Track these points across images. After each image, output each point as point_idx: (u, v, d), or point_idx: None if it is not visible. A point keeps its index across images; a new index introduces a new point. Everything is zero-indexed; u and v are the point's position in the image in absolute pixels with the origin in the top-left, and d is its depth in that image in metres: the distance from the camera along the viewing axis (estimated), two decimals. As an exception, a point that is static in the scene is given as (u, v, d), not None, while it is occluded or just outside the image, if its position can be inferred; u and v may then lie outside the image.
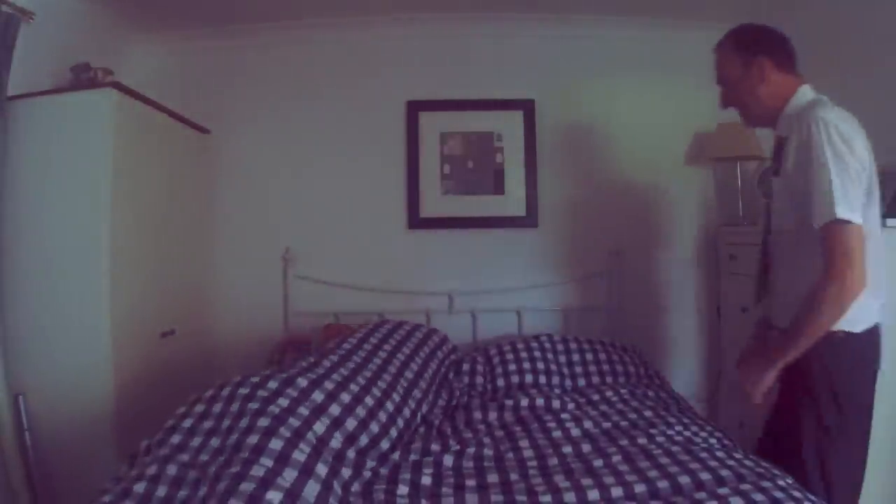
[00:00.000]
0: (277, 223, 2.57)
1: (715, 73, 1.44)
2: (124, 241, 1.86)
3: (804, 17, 2.38)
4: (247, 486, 0.96)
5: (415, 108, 2.56)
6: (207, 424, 1.22)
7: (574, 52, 2.59)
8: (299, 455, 1.09)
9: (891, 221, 1.57)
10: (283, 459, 1.05)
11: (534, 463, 1.34)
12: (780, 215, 1.36)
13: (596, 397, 1.80)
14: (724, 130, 2.41)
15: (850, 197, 1.15)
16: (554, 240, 2.57)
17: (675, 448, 1.35)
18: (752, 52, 1.37)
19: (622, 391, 1.83)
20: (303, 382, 1.33)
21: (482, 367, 2.05)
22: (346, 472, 1.17)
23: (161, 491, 1.05)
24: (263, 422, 1.15)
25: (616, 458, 1.31)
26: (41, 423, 1.76)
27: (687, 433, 1.46)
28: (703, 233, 2.59)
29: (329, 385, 1.38)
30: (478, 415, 1.67)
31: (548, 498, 1.14)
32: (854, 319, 1.20)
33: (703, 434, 1.47)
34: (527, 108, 2.56)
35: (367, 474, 1.22)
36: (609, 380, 2.00)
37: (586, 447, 1.41)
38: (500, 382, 1.93)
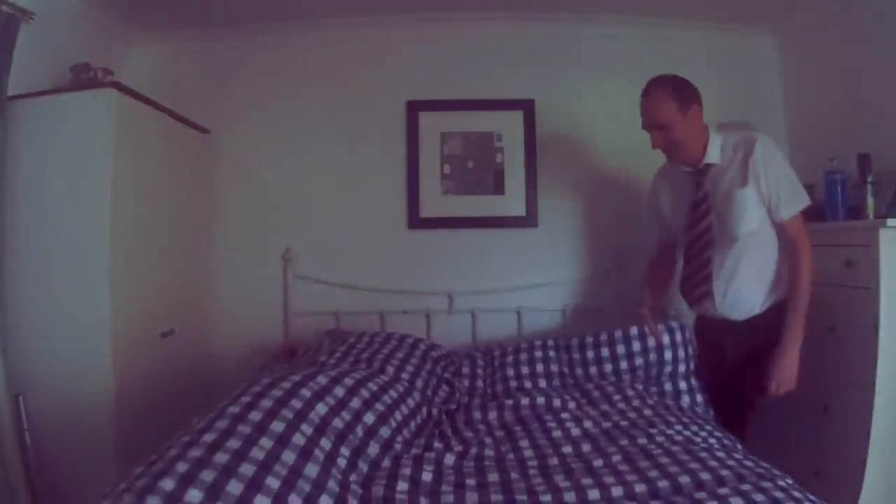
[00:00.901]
0: (277, 223, 2.56)
1: (645, 119, 1.68)
2: (124, 241, 1.86)
3: (804, 18, 2.39)
4: (247, 469, 0.98)
5: (415, 108, 2.56)
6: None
7: (574, 52, 2.59)
8: (299, 439, 1.11)
9: (891, 221, 1.58)
10: (283, 441, 1.08)
11: (534, 462, 1.34)
12: (744, 220, 1.61)
13: (596, 394, 1.80)
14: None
15: (802, 191, 1.61)
16: (554, 240, 2.57)
17: (675, 448, 1.35)
18: (689, 100, 1.63)
19: (626, 389, 1.82)
20: (323, 379, 1.36)
21: (482, 369, 2.05)
22: (346, 451, 1.19)
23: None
24: (266, 403, 1.18)
25: (616, 458, 1.31)
26: (41, 423, 1.76)
27: (687, 433, 1.46)
28: (703, 233, 2.58)
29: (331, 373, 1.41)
30: (478, 415, 1.67)
31: (548, 497, 1.14)
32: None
33: (703, 434, 1.47)
34: (527, 108, 2.56)
35: (365, 468, 1.22)
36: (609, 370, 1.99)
37: (586, 447, 1.41)
38: (500, 387, 1.93)
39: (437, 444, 1.42)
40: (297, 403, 1.21)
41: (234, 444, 1.04)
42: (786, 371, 1.57)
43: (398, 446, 1.35)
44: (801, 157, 2.38)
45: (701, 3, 2.40)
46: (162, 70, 2.52)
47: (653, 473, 1.21)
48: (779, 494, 1.08)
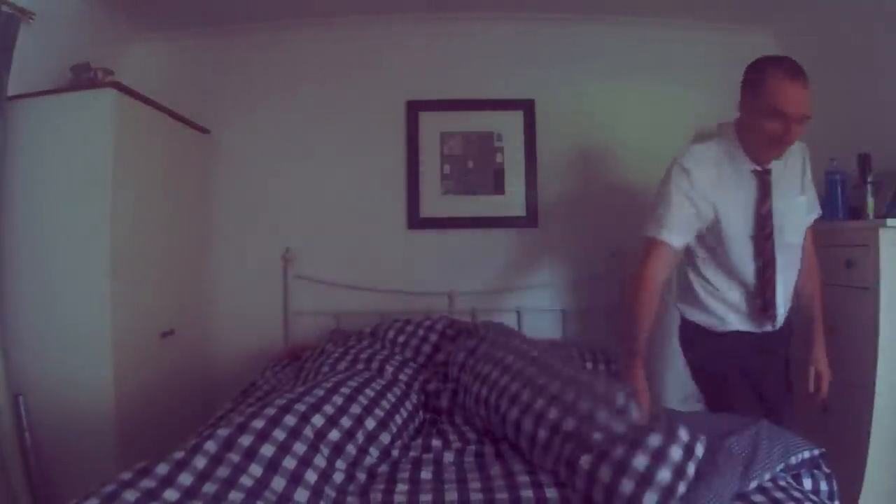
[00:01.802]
0: (277, 223, 2.56)
1: (799, 109, 1.33)
2: (124, 241, 1.86)
3: (804, 19, 2.39)
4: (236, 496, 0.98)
5: (415, 108, 2.56)
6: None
7: (574, 52, 2.59)
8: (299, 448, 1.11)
9: (891, 221, 1.58)
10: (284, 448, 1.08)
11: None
12: (798, 228, 1.52)
13: None
14: (725, 130, 2.40)
15: None
16: (554, 240, 2.57)
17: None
18: None
19: None
20: (322, 389, 1.35)
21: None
22: (343, 465, 1.19)
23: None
24: (269, 411, 1.18)
25: None
26: (41, 423, 1.76)
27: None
28: (703, 233, 2.58)
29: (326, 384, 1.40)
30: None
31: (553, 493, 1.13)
32: None
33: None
34: (527, 108, 2.56)
35: (363, 477, 1.22)
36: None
37: None
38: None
39: (434, 443, 1.42)
40: (290, 420, 1.20)
41: (223, 472, 1.04)
42: (825, 364, 1.57)
43: (395, 452, 1.34)
44: (801, 157, 2.39)
45: (701, 3, 2.40)
46: (162, 70, 2.51)
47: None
48: (779, 495, 1.08)
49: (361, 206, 2.56)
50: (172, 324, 2.17)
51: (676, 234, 1.43)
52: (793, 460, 1.18)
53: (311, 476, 1.10)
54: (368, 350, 1.83)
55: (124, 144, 1.84)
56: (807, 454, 1.21)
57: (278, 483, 1.06)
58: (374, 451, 1.28)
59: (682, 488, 1.01)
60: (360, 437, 1.28)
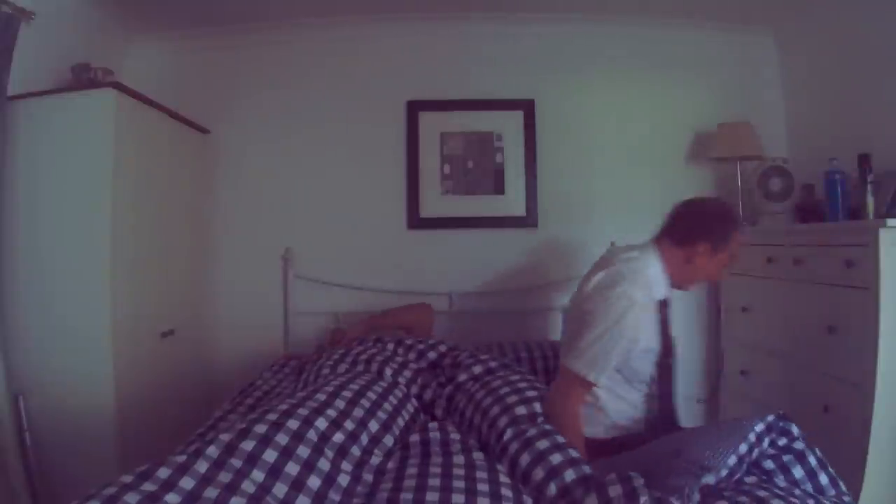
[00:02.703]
0: (277, 223, 2.56)
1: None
2: (124, 241, 1.86)
3: (804, 19, 2.38)
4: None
5: (415, 108, 2.56)
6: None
7: (574, 52, 2.59)
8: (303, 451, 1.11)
9: (891, 221, 1.57)
10: (286, 453, 1.07)
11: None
12: None
13: None
14: (725, 130, 2.41)
15: None
16: (554, 240, 2.57)
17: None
18: None
19: None
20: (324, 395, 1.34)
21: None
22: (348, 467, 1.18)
23: None
24: (271, 416, 1.17)
25: None
26: (41, 423, 1.76)
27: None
28: (703, 233, 2.58)
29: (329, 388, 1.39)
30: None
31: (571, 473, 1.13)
32: None
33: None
34: (527, 108, 2.56)
35: (369, 478, 1.21)
36: None
37: None
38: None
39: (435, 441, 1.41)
40: (293, 424, 1.19)
41: (225, 477, 1.03)
42: None
43: (398, 453, 1.34)
44: (801, 157, 2.39)
45: (701, 3, 2.40)
46: (162, 70, 2.52)
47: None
48: (779, 494, 1.08)
49: (361, 206, 2.57)
50: (172, 324, 2.17)
51: (605, 374, 1.37)
52: (751, 436, 1.14)
53: (314, 482, 1.09)
54: (367, 352, 1.83)
55: (124, 144, 1.84)
56: (762, 425, 1.17)
57: (280, 489, 1.05)
58: (378, 453, 1.28)
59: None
60: (364, 439, 1.28)
